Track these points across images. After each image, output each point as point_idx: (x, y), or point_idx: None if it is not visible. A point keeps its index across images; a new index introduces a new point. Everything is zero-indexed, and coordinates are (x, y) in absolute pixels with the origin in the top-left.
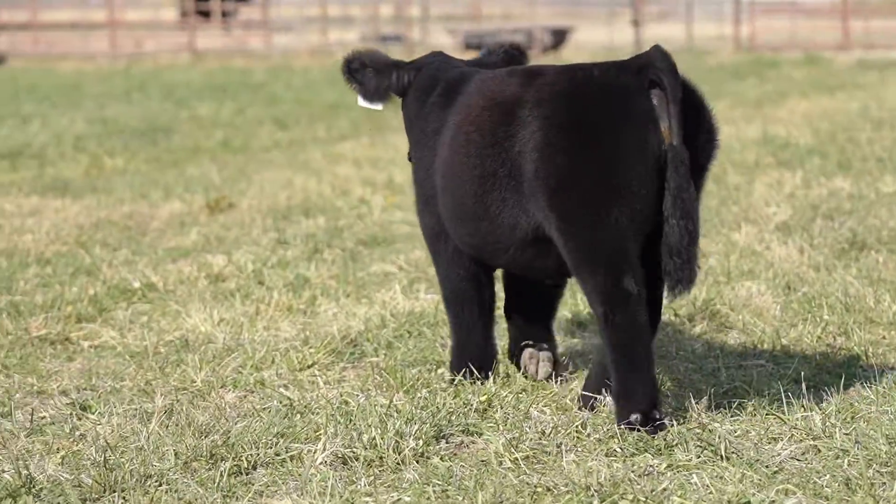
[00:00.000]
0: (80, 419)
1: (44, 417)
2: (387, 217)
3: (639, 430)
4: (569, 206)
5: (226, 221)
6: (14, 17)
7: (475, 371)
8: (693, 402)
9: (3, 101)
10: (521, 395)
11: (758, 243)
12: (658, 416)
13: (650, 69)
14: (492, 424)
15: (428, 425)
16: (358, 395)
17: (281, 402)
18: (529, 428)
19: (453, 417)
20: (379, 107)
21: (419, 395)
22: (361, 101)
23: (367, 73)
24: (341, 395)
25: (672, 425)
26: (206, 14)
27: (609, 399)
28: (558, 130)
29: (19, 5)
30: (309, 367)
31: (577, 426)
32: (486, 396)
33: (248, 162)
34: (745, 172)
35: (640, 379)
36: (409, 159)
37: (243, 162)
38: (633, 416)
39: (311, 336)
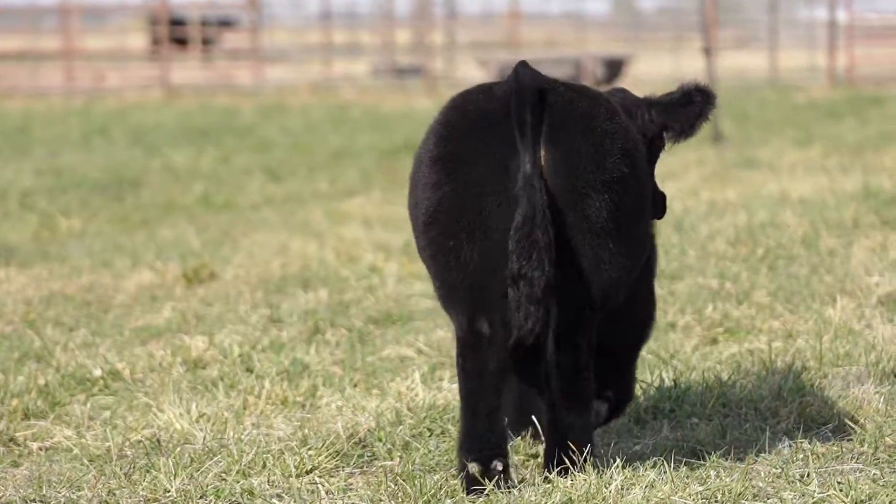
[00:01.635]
0: None
1: None
2: (403, 289)
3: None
4: (430, 243)
5: (206, 295)
6: None
7: None
8: None
9: None
10: None
11: (856, 320)
12: (499, 467)
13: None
14: None
15: None
16: None
17: None
18: None
19: None
20: None
21: None
22: None
23: None
24: None
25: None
26: (182, 42)
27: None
28: (428, 164)
29: None
30: (308, 472)
31: None
32: None
33: (234, 222)
34: (842, 234)
35: (483, 427)
36: None
37: (228, 222)
38: (471, 466)
39: (311, 435)
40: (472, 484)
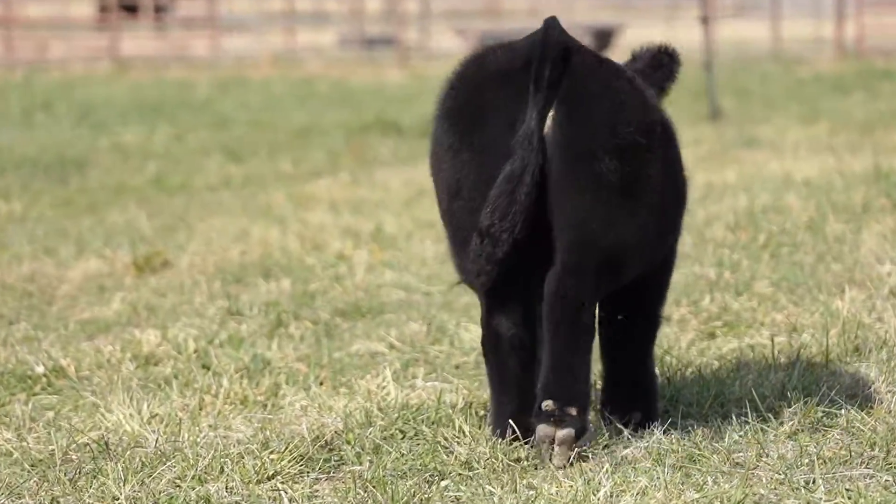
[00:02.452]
0: None
1: None
2: (373, 279)
3: None
4: (453, 215)
5: (159, 285)
6: None
7: None
8: None
9: None
10: None
11: (866, 313)
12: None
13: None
14: None
15: None
16: None
17: None
18: None
19: None
20: None
21: None
22: None
23: None
24: None
25: None
26: (132, 9)
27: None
28: (440, 120)
29: None
30: (269, 478)
31: None
32: None
33: (190, 206)
34: (850, 219)
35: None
36: None
37: (183, 206)
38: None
39: (273, 437)
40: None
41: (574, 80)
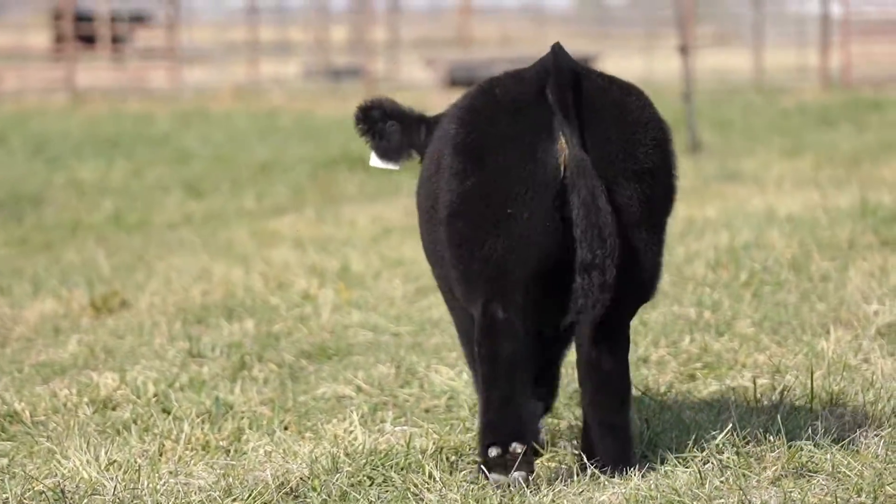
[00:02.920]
0: None
1: None
2: (340, 319)
3: (500, 467)
4: (453, 234)
5: (117, 326)
6: None
7: None
8: None
9: None
10: None
11: (852, 354)
12: (518, 450)
13: (545, 75)
14: None
15: None
16: None
17: None
18: None
19: None
20: (396, 167)
21: None
22: (375, 160)
23: (389, 126)
24: None
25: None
26: (89, 39)
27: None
28: (451, 153)
29: None
30: None
31: None
32: None
33: (149, 244)
34: (836, 256)
35: (497, 414)
36: None
37: (141, 244)
38: (491, 451)
39: (236, 484)
40: (492, 468)
41: (587, 106)
